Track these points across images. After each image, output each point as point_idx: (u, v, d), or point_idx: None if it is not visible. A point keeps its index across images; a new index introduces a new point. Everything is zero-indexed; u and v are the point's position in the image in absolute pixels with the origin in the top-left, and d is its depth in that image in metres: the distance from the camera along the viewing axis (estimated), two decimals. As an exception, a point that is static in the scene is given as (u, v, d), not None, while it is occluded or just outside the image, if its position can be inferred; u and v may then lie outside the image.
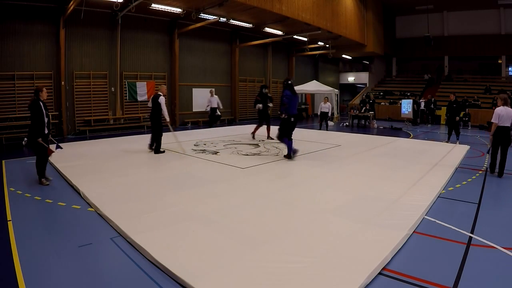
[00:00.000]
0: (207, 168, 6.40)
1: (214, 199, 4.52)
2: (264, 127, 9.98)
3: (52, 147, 5.44)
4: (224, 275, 2.63)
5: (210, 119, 13.82)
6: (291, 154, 6.93)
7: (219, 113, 16.07)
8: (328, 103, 13.91)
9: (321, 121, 13.87)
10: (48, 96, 10.86)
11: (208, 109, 13.68)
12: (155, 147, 7.84)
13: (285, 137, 6.90)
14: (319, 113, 14.03)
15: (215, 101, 13.52)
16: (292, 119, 6.84)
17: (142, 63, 13.67)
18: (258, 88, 18.75)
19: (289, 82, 7.01)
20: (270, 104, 10.03)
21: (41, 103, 5.21)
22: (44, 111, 5.20)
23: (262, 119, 9.93)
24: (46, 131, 5.30)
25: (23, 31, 10.47)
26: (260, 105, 9.68)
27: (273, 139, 9.80)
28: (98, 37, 12.15)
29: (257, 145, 8.76)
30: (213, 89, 13.96)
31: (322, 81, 21.38)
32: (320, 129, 13.69)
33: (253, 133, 10.18)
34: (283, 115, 6.95)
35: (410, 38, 23.70)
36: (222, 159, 7.18)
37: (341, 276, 2.61)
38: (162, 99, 7.81)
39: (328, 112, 13.74)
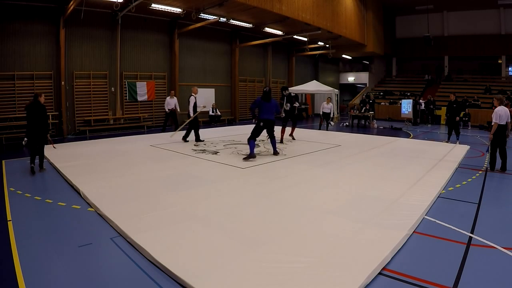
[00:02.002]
0: (207, 168, 6.40)
1: (214, 199, 4.52)
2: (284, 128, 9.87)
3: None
4: (224, 275, 2.63)
5: (164, 123, 12.36)
6: (252, 155, 7.09)
7: (218, 113, 16.11)
8: (331, 104, 13.82)
9: (322, 121, 13.87)
10: (48, 96, 11.08)
11: (168, 110, 12.14)
12: (196, 137, 9.42)
13: (252, 139, 7.22)
14: (321, 113, 13.92)
15: (174, 103, 12.09)
16: (262, 123, 7.26)
17: (142, 63, 13.68)
18: (258, 88, 18.93)
19: (264, 89, 7.46)
20: (296, 104, 10.10)
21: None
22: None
23: (286, 120, 9.79)
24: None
25: (23, 31, 10.47)
26: (288, 104, 9.68)
27: (294, 139, 10.07)
28: (98, 37, 12.15)
29: (257, 145, 8.75)
30: (173, 91, 12.72)
31: (322, 81, 21.38)
32: (319, 129, 13.69)
33: (282, 138, 9.59)
34: (254, 120, 7.71)
35: (410, 38, 23.70)
36: (222, 159, 7.19)
37: (341, 276, 2.61)
38: (191, 98, 9.30)
39: (330, 113, 13.70)
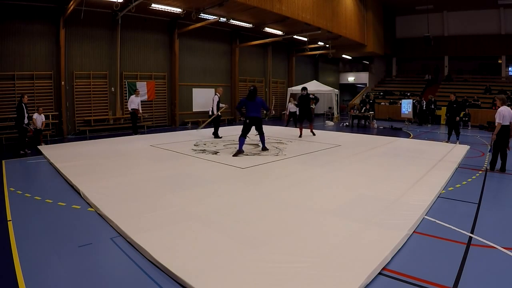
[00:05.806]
0: (207, 168, 6.40)
1: (214, 199, 4.52)
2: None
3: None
4: (224, 275, 2.63)
5: (133, 124, 11.80)
6: (240, 151, 7.56)
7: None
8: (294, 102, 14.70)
9: (289, 119, 14.86)
10: (48, 96, 11.10)
11: (130, 109, 11.67)
12: (214, 132, 10.48)
13: (242, 137, 7.63)
14: (287, 113, 14.96)
15: (137, 102, 11.63)
16: (248, 121, 7.65)
17: (142, 63, 13.67)
18: (259, 88, 18.89)
19: (250, 89, 7.74)
20: (313, 106, 10.90)
21: (23, 105, 8.15)
22: (25, 110, 8.19)
23: (302, 118, 10.79)
24: (27, 121, 8.31)
25: (23, 31, 10.47)
26: (313, 106, 10.72)
27: (314, 135, 10.89)
28: (98, 37, 12.15)
29: (257, 145, 8.76)
30: (139, 89, 12.36)
31: (322, 81, 21.38)
32: (287, 125, 14.44)
33: (300, 134, 10.74)
34: (241, 117, 8.29)
35: (410, 38, 23.68)
36: (222, 159, 7.18)
37: (341, 276, 2.61)
38: (215, 98, 10.40)
39: (295, 112, 13.94)
